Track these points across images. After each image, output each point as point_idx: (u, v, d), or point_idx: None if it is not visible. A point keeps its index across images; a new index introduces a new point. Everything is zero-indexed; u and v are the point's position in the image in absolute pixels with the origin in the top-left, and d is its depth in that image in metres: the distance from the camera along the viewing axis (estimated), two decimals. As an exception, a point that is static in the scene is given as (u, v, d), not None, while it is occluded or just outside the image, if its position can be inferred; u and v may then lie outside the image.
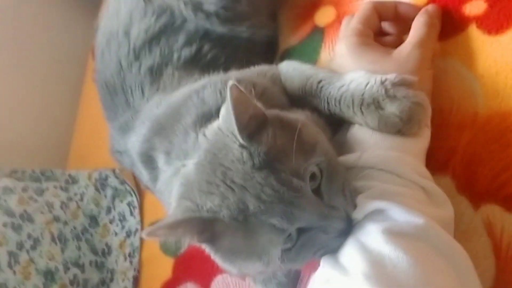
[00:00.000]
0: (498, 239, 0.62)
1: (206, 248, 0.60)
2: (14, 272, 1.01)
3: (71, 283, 1.09)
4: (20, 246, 1.05)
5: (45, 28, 1.81)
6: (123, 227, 1.21)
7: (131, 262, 1.13)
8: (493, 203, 0.63)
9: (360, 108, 0.65)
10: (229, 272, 0.68)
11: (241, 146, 0.55)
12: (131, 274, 1.12)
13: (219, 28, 0.93)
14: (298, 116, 0.67)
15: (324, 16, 0.96)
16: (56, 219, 1.17)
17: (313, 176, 0.56)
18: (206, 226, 0.56)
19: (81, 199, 1.29)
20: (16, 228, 1.07)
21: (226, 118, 0.58)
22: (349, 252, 0.53)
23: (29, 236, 1.08)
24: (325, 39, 0.94)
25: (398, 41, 0.72)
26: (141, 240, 1.16)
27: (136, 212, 1.19)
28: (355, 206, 0.58)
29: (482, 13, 0.73)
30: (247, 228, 0.54)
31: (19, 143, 1.58)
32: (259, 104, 0.59)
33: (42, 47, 1.79)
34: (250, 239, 0.55)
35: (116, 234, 1.21)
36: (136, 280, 1.13)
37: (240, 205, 0.53)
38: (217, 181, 0.55)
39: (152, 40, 0.91)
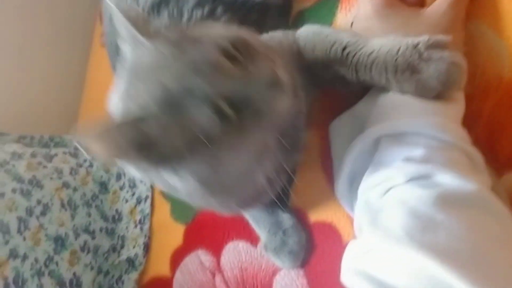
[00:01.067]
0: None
1: (147, 169, 0.58)
2: (24, 238, 1.00)
3: (82, 249, 1.08)
4: (30, 212, 1.04)
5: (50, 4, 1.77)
6: (133, 193, 1.19)
7: (141, 229, 1.12)
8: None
9: (395, 75, 0.63)
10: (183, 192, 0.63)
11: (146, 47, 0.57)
12: (141, 240, 1.11)
13: None
14: None
15: (340, -27, 0.91)
16: (66, 185, 1.15)
17: (228, 54, 0.55)
18: (140, 133, 0.53)
19: (91, 166, 1.27)
20: (25, 194, 1.05)
21: (126, 34, 0.60)
22: (397, 217, 0.50)
23: (39, 202, 1.07)
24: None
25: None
26: (152, 207, 1.14)
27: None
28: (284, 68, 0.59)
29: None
30: (176, 114, 0.52)
31: (27, 110, 1.56)
32: None
33: (49, 13, 1.75)
34: (185, 125, 0.53)
35: (126, 200, 1.20)
36: (147, 247, 1.11)
37: (161, 88, 0.53)
38: (134, 84, 0.56)
39: (161, 2, 0.88)
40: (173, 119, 0.53)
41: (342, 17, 0.87)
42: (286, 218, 0.82)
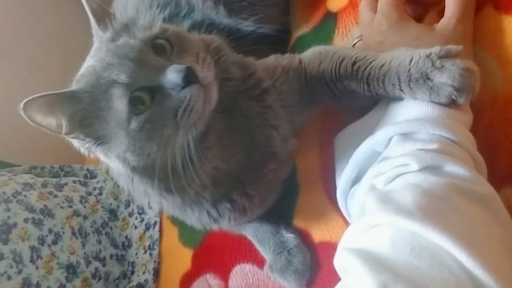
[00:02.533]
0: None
1: (90, 145, 0.65)
2: (37, 267, 1.03)
3: (93, 276, 1.10)
4: (42, 241, 1.07)
5: (61, 26, 1.83)
6: (142, 220, 1.22)
7: (151, 255, 1.14)
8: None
9: (408, 84, 0.64)
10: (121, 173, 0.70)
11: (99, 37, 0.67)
12: (151, 266, 1.13)
13: (224, 20, 0.92)
14: None
15: (336, 1, 0.94)
16: (76, 213, 1.18)
17: (160, 49, 0.63)
18: (76, 107, 0.62)
19: (100, 193, 1.30)
20: (37, 224, 1.09)
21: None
22: (410, 196, 0.51)
23: (50, 231, 1.10)
24: (338, 24, 0.92)
25: (425, 15, 0.73)
26: (160, 232, 1.16)
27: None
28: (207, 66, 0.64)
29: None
30: (102, 92, 0.61)
31: (37, 141, 1.59)
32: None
33: (58, 46, 1.81)
34: (108, 107, 0.61)
35: (135, 227, 1.22)
36: (156, 272, 1.13)
37: (92, 73, 0.62)
38: (85, 65, 0.66)
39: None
40: (98, 101, 0.61)
41: (339, 41, 0.91)
42: (290, 238, 0.84)
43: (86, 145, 0.65)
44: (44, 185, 1.20)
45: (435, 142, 0.57)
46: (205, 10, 0.91)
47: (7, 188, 1.10)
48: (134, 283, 1.13)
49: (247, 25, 0.94)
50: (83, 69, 0.66)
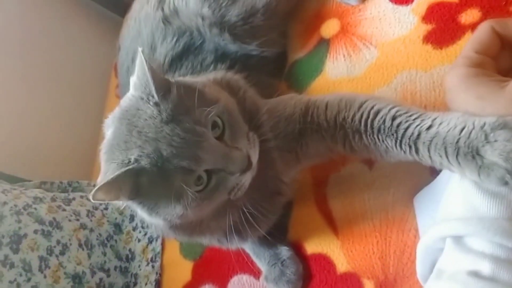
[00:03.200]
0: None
1: (133, 205, 0.68)
2: (45, 276, 1.07)
3: (98, 286, 1.14)
4: (50, 251, 1.11)
5: (70, 49, 1.90)
6: (145, 233, 1.26)
7: (153, 267, 1.18)
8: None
9: (457, 158, 0.56)
10: (157, 226, 0.78)
11: (155, 104, 0.63)
12: (153, 277, 1.17)
13: (230, 46, 0.99)
14: (202, 79, 0.77)
15: (329, 28, 1.01)
16: (83, 226, 1.23)
17: (215, 125, 0.65)
18: (133, 180, 0.63)
19: (106, 208, 1.35)
20: (46, 235, 1.13)
21: (140, 83, 0.65)
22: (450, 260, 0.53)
23: (58, 242, 1.14)
24: (330, 49, 0.99)
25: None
26: (162, 246, 1.21)
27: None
28: (256, 147, 0.68)
29: (477, 21, 0.78)
30: (164, 173, 0.62)
31: (47, 158, 1.66)
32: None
33: (67, 67, 1.88)
34: (168, 182, 0.62)
35: (139, 240, 1.27)
36: (158, 284, 1.17)
37: (156, 153, 0.61)
38: (134, 139, 0.63)
39: (182, 55, 0.99)
40: (160, 178, 0.63)
41: (330, 65, 0.97)
42: (284, 250, 0.89)
43: (131, 205, 0.68)
44: (53, 199, 1.25)
45: (488, 258, 0.49)
46: (213, 37, 0.98)
47: (19, 201, 1.15)
48: (136, 294, 1.17)
49: (251, 49, 1.00)
50: (132, 136, 0.63)
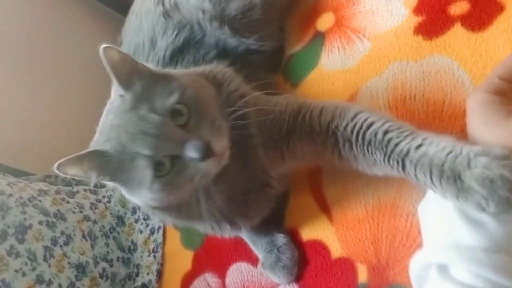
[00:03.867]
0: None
1: (116, 185, 0.73)
2: (49, 265, 1.10)
3: (101, 276, 1.17)
4: (55, 242, 1.14)
5: (75, 47, 1.94)
6: (147, 225, 1.29)
7: (154, 257, 1.21)
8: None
9: (440, 180, 0.58)
10: (138, 204, 0.81)
11: (120, 95, 0.69)
12: (155, 267, 1.20)
13: (230, 40, 1.02)
14: (187, 70, 0.80)
15: (324, 21, 1.04)
16: (86, 218, 1.26)
17: (179, 113, 0.68)
18: (103, 162, 0.68)
19: (109, 201, 1.38)
20: (51, 226, 1.16)
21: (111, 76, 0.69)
22: None
23: (62, 233, 1.17)
24: (325, 42, 1.01)
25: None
26: (164, 237, 1.24)
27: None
28: (222, 135, 0.69)
29: (466, 12, 0.80)
30: (127, 157, 0.67)
31: (52, 152, 1.68)
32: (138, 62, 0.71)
33: (72, 65, 1.91)
34: (133, 169, 0.67)
35: (141, 232, 1.30)
36: (159, 273, 1.20)
37: (118, 139, 0.67)
38: (106, 125, 0.70)
39: (183, 48, 1.01)
40: (124, 162, 0.67)
41: (325, 58, 1.00)
42: (280, 237, 0.91)
43: (112, 184, 0.74)
44: (58, 192, 1.28)
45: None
46: (213, 31, 1.01)
47: (24, 193, 1.18)
48: (138, 283, 1.20)
49: (250, 43, 1.03)
50: (106, 124, 0.70)
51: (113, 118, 0.69)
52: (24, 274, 1.06)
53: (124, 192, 0.73)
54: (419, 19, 0.86)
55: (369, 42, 0.93)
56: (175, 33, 1.01)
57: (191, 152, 0.65)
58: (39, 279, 1.07)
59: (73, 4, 1.97)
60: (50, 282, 1.08)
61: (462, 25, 0.80)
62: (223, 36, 1.01)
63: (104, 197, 1.40)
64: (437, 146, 0.60)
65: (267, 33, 1.05)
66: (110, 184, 0.74)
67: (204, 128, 0.68)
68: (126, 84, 0.68)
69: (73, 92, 1.87)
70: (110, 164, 0.68)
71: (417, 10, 0.87)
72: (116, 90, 0.70)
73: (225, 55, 1.01)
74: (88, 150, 0.68)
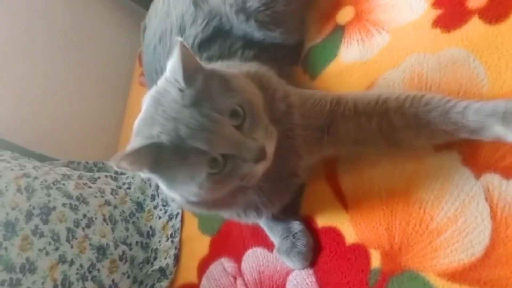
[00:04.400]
0: (495, 203, 0.69)
1: (155, 178, 0.74)
2: (72, 246, 1.13)
3: (120, 258, 1.21)
4: (77, 224, 1.18)
5: (98, 39, 2.00)
6: (165, 211, 1.33)
7: (172, 242, 1.25)
8: (492, 172, 0.71)
9: (503, 121, 0.68)
10: (175, 199, 0.83)
11: (180, 89, 0.69)
12: (172, 252, 1.23)
13: (256, 33, 1.05)
14: (235, 70, 0.80)
15: (344, 15, 1.06)
16: (107, 203, 1.30)
17: (236, 114, 0.70)
18: (154, 154, 0.69)
19: (129, 188, 1.42)
20: (74, 208, 1.20)
21: (172, 68, 0.71)
22: None
23: (84, 216, 1.21)
24: (345, 35, 1.03)
25: None
26: (182, 222, 1.27)
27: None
28: (273, 140, 0.72)
29: (484, 6, 0.82)
30: (182, 151, 0.68)
31: (75, 139, 1.74)
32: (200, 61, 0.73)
33: (96, 57, 1.98)
34: (184, 161, 0.69)
35: (159, 217, 1.33)
36: (177, 258, 1.24)
37: (175, 131, 0.68)
38: (158, 116, 0.69)
39: (211, 38, 1.05)
40: (178, 155, 0.69)
41: (344, 50, 1.02)
42: (296, 224, 0.93)
43: (152, 176, 0.74)
44: (80, 177, 1.33)
45: None
46: (240, 24, 1.04)
47: (49, 177, 1.22)
48: (156, 266, 1.23)
49: (275, 37, 1.06)
50: (156, 115, 0.70)
51: (167, 110, 0.69)
52: (47, 253, 1.10)
53: (164, 186, 0.74)
54: (438, 12, 0.88)
55: (388, 34, 0.95)
56: (205, 22, 1.04)
57: (249, 153, 0.69)
58: (62, 259, 1.11)
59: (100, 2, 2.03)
60: (72, 262, 1.12)
61: (479, 18, 0.81)
62: (249, 29, 1.04)
63: (124, 183, 1.44)
64: (487, 101, 0.70)
65: (291, 25, 1.08)
66: (146, 176, 0.74)
67: (259, 132, 0.71)
68: (189, 79, 0.69)
69: (97, 84, 1.94)
70: (162, 157, 0.69)
71: (436, 4, 0.89)
72: (172, 83, 0.71)
73: (250, 46, 1.04)
74: (146, 143, 0.68)
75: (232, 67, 0.87)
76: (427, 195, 0.77)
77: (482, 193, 0.71)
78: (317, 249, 0.91)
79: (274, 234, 0.98)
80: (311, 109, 0.83)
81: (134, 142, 0.71)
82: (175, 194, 0.77)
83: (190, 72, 0.69)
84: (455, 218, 0.73)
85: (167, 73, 0.73)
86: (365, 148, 0.85)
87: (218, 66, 0.85)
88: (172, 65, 0.71)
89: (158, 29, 1.10)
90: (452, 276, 0.70)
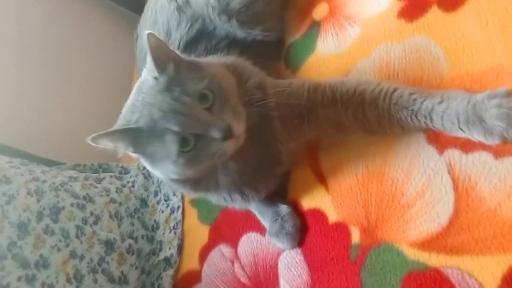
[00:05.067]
0: (457, 176, 0.75)
1: (139, 158, 0.84)
2: (81, 242, 1.22)
3: (127, 251, 1.29)
4: (85, 221, 1.26)
5: (98, 45, 2.07)
6: (167, 205, 1.41)
7: (175, 233, 1.33)
8: (453, 147, 0.77)
9: (467, 125, 0.72)
10: (157, 175, 0.91)
11: (154, 77, 0.78)
12: (175, 243, 1.31)
13: (238, 31, 1.12)
14: (213, 60, 0.89)
15: (319, 11, 1.13)
16: (113, 200, 1.38)
17: (205, 97, 0.78)
18: (134, 136, 0.79)
19: (133, 186, 1.50)
20: (81, 207, 1.28)
21: (148, 58, 0.78)
22: None
23: (92, 213, 1.30)
24: (321, 30, 1.10)
25: None
26: (183, 215, 1.35)
27: (178, 192, 1.40)
28: (241, 120, 0.79)
29: (442, -4, 0.88)
30: (157, 132, 0.77)
31: (80, 143, 1.80)
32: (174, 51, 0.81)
33: (97, 64, 2.06)
34: (161, 143, 0.78)
35: (162, 212, 1.41)
36: (180, 248, 1.32)
37: (150, 115, 0.77)
38: (138, 103, 0.79)
39: (196, 39, 1.12)
40: (154, 137, 0.78)
41: (321, 44, 1.09)
42: (284, 208, 1.00)
43: (136, 155, 0.84)
44: (86, 178, 1.41)
45: None
46: (223, 24, 1.11)
47: (56, 179, 1.31)
48: (161, 257, 1.31)
49: (257, 34, 1.13)
50: (137, 102, 0.79)
51: (145, 96, 0.78)
52: (59, 250, 1.18)
53: (147, 164, 0.84)
54: (402, 4, 0.94)
55: (359, 27, 1.02)
56: (188, 25, 1.12)
57: (215, 132, 0.76)
58: (73, 254, 1.19)
59: (96, 8, 2.11)
60: (82, 257, 1.20)
61: (438, 7, 0.87)
62: (231, 29, 1.11)
63: (128, 182, 1.52)
64: (455, 99, 0.73)
65: (270, 24, 1.15)
66: (134, 155, 0.84)
67: (227, 113, 0.78)
68: (161, 67, 0.78)
69: (98, 89, 2.00)
70: (140, 139, 0.78)
71: (400, -4, 0.95)
72: (150, 72, 0.79)
73: (234, 45, 1.11)
74: (121, 127, 0.79)
75: (212, 59, 0.96)
76: (397, 173, 0.84)
77: (445, 167, 0.77)
78: (304, 229, 0.98)
79: (264, 218, 1.05)
80: (289, 97, 0.90)
81: (115, 125, 0.81)
82: (158, 172, 0.86)
83: (161, 60, 0.78)
84: (423, 192, 0.79)
85: (147, 64, 0.82)
86: (343, 132, 0.92)
87: (201, 59, 0.93)
88: (148, 58, 0.80)
89: None
90: (422, 245, 0.76)
